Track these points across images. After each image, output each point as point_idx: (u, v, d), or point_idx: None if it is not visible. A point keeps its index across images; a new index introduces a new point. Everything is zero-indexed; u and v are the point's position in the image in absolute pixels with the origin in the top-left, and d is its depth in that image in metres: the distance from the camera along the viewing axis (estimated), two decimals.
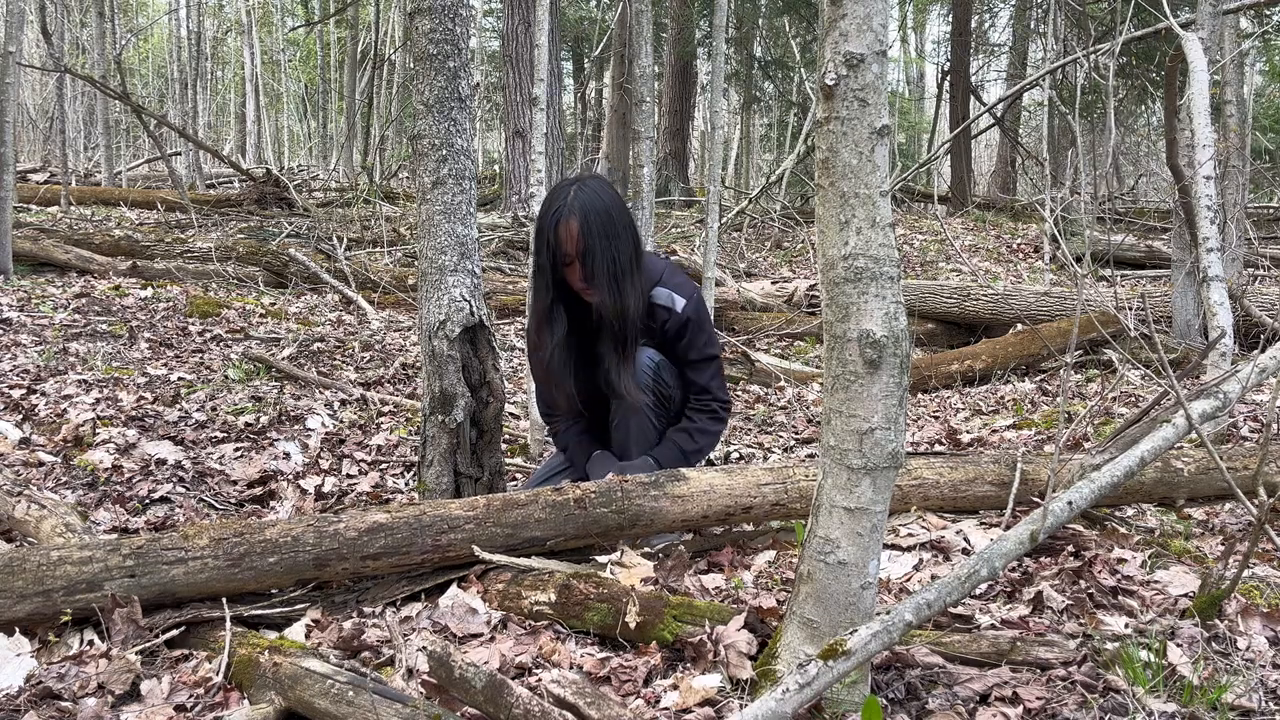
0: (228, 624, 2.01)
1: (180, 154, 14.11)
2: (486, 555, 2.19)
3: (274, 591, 2.16)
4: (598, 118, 19.81)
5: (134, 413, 3.61)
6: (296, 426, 3.68)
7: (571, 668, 1.88)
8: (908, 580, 2.27)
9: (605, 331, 2.61)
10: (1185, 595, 2.07)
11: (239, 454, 3.38)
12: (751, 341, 5.76)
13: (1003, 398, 4.58)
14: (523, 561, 2.20)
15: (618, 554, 2.30)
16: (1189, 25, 4.19)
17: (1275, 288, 5.76)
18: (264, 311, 5.85)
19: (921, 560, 2.37)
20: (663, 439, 2.73)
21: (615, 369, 2.61)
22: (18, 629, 1.98)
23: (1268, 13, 9.67)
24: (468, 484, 2.63)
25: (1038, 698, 1.69)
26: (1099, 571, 2.20)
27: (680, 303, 2.64)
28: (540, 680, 1.76)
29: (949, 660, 1.80)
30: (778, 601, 2.07)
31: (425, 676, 1.80)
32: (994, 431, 3.95)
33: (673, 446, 2.70)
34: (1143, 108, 12.74)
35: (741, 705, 1.71)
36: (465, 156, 2.59)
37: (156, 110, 18.17)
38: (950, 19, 15.04)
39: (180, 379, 4.13)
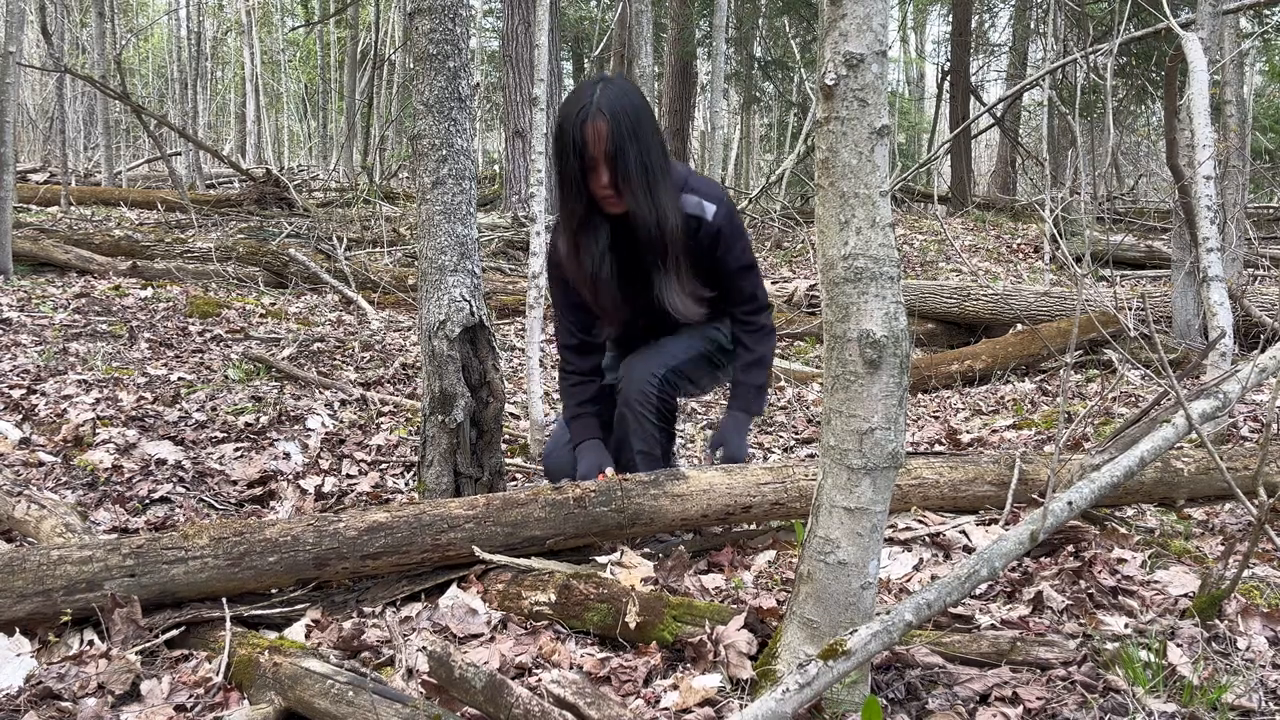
0: (228, 624, 2.01)
1: (180, 154, 14.11)
2: (486, 555, 2.19)
3: (274, 591, 2.16)
4: None
5: (134, 413, 3.61)
6: (296, 426, 3.68)
7: (571, 668, 1.88)
8: (908, 580, 2.27)
9: (640, 247, 2.42)
10: (1185, 595, 2.07)
11: (239, 454, 3.38)
12: None
13: (1003, 398, 4.58)
14: (523, 562, 2.20)
15: (618, 554, 2.30)
16: (1189, 25, 4.19)
17: (1275, 288, 5.76)
18: (264, 311, 5.85)
19: (921, 560, 2.37)
20: (734, 387, 2.65)
21: (663, 284, 2.43)
22: (18, 629, 1.98)
23: (1268, 13, 9.67)
24: (468, 484, 2.63)
25: (1038, 698, 1.69)
26: (1099, 571, 2.20)
27: (710, 209, 2.46)
28: (540, 680, 1.76)
29: (949, 660, 1.80)
30: (778, 601, 2.07)
31: (425, 676, 1.80)
32: (994, 431, 3.95)
33: (747, 391, 2.61)
34: (1143, 108, 12.74)
35: (741, 705, 1.71)
36: (465, 156, 2.59)
37: (156, 110, 18.17)
38: (950, 19, 15.04)
39: (180, 379, 4.13)
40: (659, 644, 1.93)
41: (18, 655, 1.91)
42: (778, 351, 5.71)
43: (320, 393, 4.13)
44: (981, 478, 2.65)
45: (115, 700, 1.83)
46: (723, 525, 2.53)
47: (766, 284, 2.86)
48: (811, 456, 3.76)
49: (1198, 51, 3.62)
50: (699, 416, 4.49)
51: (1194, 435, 2.11)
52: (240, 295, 6.44)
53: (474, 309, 2.58)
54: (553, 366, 5.30)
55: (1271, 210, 11.31)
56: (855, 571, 1.62)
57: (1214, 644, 1.85)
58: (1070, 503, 1.78)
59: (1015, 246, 10.11)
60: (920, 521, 2.55)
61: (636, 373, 2.55)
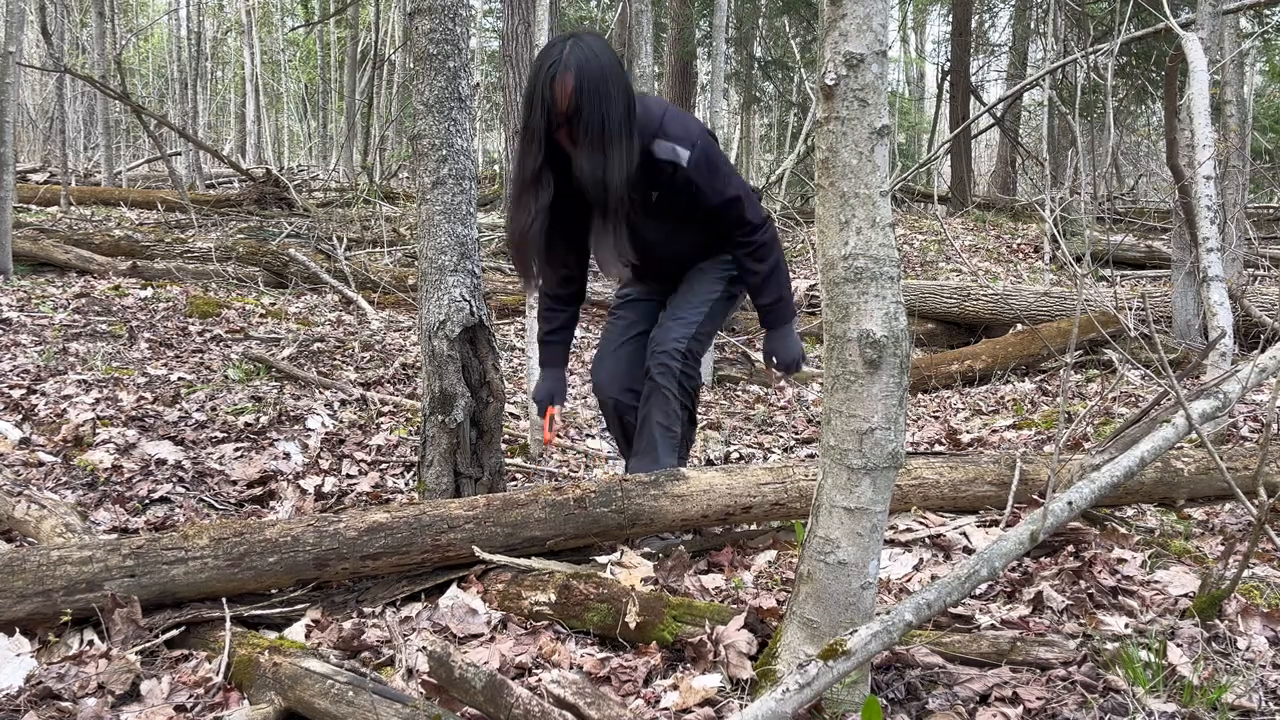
0: (228, 624, 2.01)
1: (180, 154, 14.10)
2: (486, 555, 2.19)
3: (274, 591, 2.16)
4: None
5: (134, 413, 3.61)
6: (296, 426, 3.68)
7: (571, 668, 1.88)
8: (908, 580, 2.27)
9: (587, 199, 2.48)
10: (1185, 595, 2.07)
11: (239, 454, 3.38)
12: (751, 341, 5.75)
13: (1003, 398, 4.58)
14: (523, 562, 2.20)
15: (618, 554, 2.30)
16: (1189, 25, 4.19)
17: (1275, 288, 5.76)
18: (264, 311, 5.85)
19: (921, 560, 2.37)
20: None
21: (595, 238, 2.51)
22: (18, 629, 1.98)
23: (1268, 13, 9.67)
24: (468, 484, 2.63)
25: (1038, 698, 1.69)
26: (1099, 571, 2.20)
27: (684, 154, 2.48)
28: (540, 680, 1.76)
29: (949, 660, 1.80)
30: (778, 601, 2.07)
31: (425, 676, 1.80)
32: (994, 431, 3.95)
33: (772, 308, 2.66)
34: (1143, 108, 12.74)
35: (741, 705, 1.71)
36: (465, 156, 2.59)
37: (156, 110, 18.17)
38: (950, 19, 15.04)
39: (180, 379, 4.13)
40: (659, 644, 1.93)
41: (18, 655, 1.91)
42: None
43: (320, 393, 4.13)
44: (981, 478, 2.65)
45: (115, 700, 1.83)
46: (723, 526, 2.53)
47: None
48: (811, 456, 3.76)
49: (1198, 51, 3.62)
50: (700, 418, 4.49)
51: (1194, 435, 2.11)
52: (240, 295, 6.44)
53: (474, 309, 2.58)
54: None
55: (1271, 210, 11.31)
56: (855, 571, 1.62)
57: (1214, 644, 1.85)
58: (1070, 503, 1.78)
59: (1015, 246, 10.11)
60: (921, 523, 2.55)
61: (660, 345, 2.65)
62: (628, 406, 2.77)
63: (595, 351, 2.94)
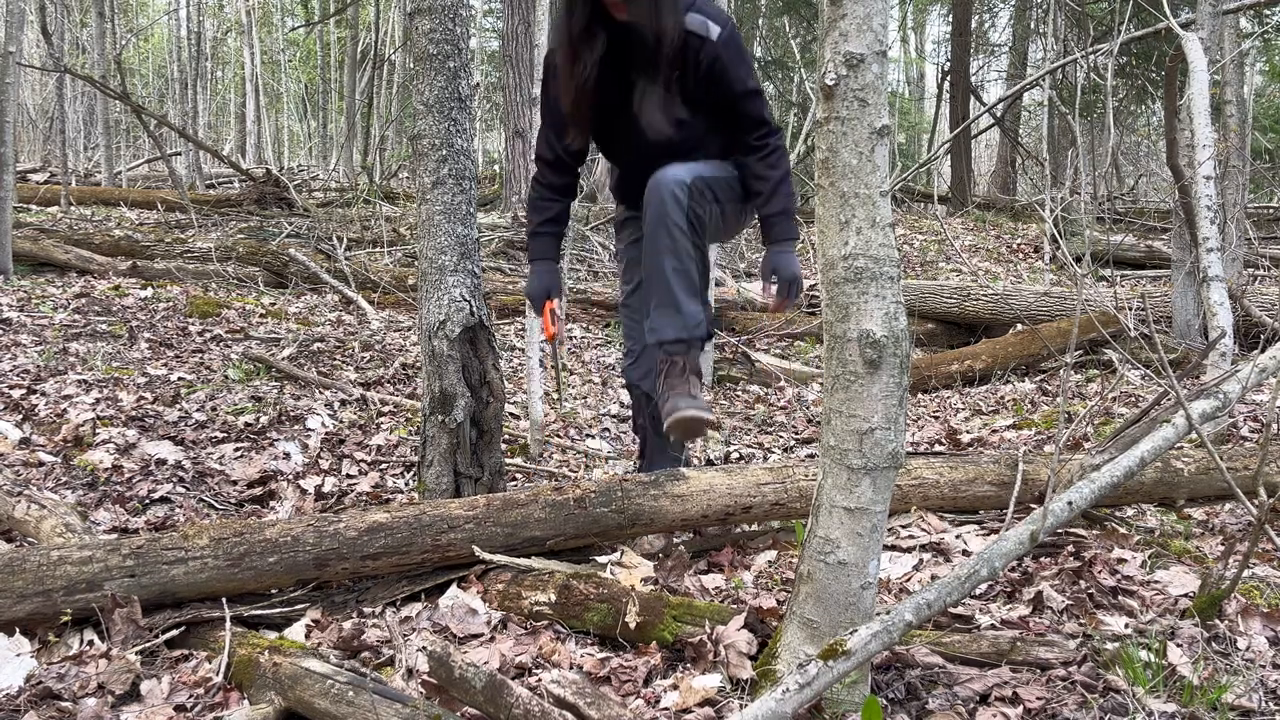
0: (228, 624, 2.01)
1: (180, 154, 14.10)
2: (486, 555, 2.19)
3: (274, 591, 2.16)
4: None
5: (134, 413, 3.60)
6: (296, 426, 3.68)
7: (571, 668, 1.88)
8: (908, 580, 2.27)
9: (633, 60, 2.42)
10: (1185, 595, 2.07)
11: (239, 454, 3.38)
12: (751, 341, 5.76)
13: (1003, 398, 4.58)
14: (523, 562, 2.20)
15: (618, 554, 2.30)
16: (1189, 25, 4.19)
17: (1275, 288, 5.76)
18: (264, 311, 5.85)
19: (921, 560, 2.37)
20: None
21: (643, 95, 2.43)
22: (18, 629, 1.98)
23: (1268, 13, 9.67)
24: (468, 484, 2.63)
25: (1038, 698, 1.69)
26: (1099, 571, 2.20)
27: (715, 30, 2.41)
28: (540, 680, 1.76)
29: (949, 660, 1.80)
30: (778, 601, 2.07)
31: (425, 676, 1.81)
32: (994, 431, 3.95)
33: (778, 219, 2.53)
34: (1143, 108, 12.74)
35: (741, 705, 1.71)
36: (465, 156, 2.59)
37: (156, 110, 18.16)
38: (950, 19, 15.04)
39: (180, 379, 4.13)
40: (659, 644, 1.93)
41: (18, 655, 1.92)
42: (777, 351, 5.71)
43: (320, 393, 4.13)
44: (982, 478, 2.65)
45: (115, 700, 1.83)
46: (723, 526, 2.53)
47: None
48: (811, 456, 3.76)
49: (1198, 51, 3.61)
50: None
51: (1194, 435, 2.11)
52: (240, 295, 6.44)
53: (474, 309, 2.58)
54: (552, 366, 5.30)
55: (1271, 210, 11.31)
56: (855, 571, 1.62)
57: (1214, 644, 1.85)
58: (1070, 503, 1.78)
59: (1015, 246, 10.11)
60: (923, 529, 2.55)
61: (663, 182, 2.45)
62: None
63: (624, 347, 2.85)
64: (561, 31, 2.48)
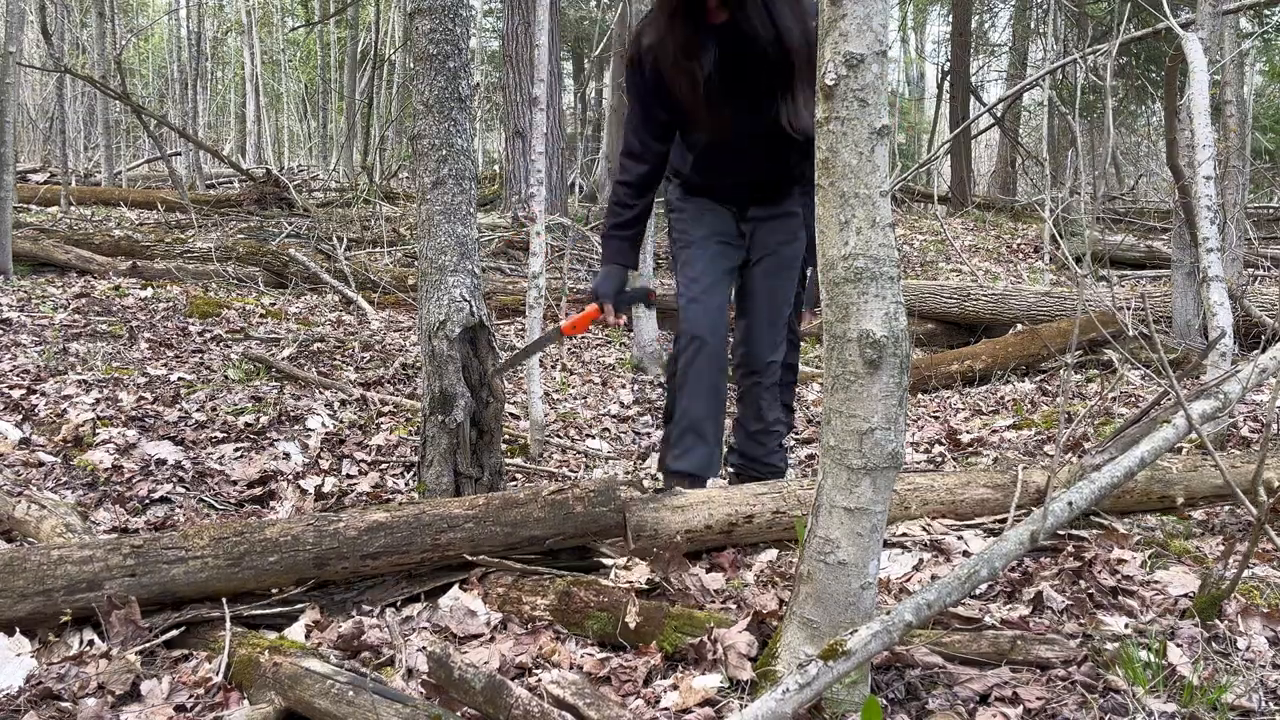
0: (228, 624, 2.01)
1: (180, 154, 14.09)
2: (483, 558, 2.19)
3: (274, 591, 2.16)
4: (598, 118, 19.80)
5: (134, 413, 3.60)
6: (296, 426, 3.68)
7: (571, 668, 1.88)
8: (908, 580, 2.27)
9: (749, 65, 2.28)
10: (1185, 595, 2.07)
11: (239, 454, 3.38)
12: None
13: (1003, 398, 4.58)
14: (520, 565, 2.20)
15: (623, 560, 2.30)
16: (1189, 25, 4.19)
17: (1275, 288, 5.76)
18: (264, 311, 5.85)
19: (921, 560, 2.36)
20: None
21: (784, 107, 2.30)
22: (18, 629, 1.98)
23: (1268, 13, 9.67)
24: (467, 484, 2.63)
25: (1038, 698, 1.69)
26: (1099, 571, 2.20)
27: None
28: (540, 681, 1.76)
29: (949, 660, 1.80)
30: (779, 602, 2.07)
31: (425, 677, 1.81)
32: (994, 431, 3.95)
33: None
34: (1143, 108, 12.73)
35: (741, 705, 1.71)
36: (465, 156, 2.59)
37: (156, 110, 18.16)
38: (950, 19, 15.04)
39: (180, 379, 4.13)
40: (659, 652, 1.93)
41: (18, 655, 1.92)
42: None
43: (320, 393, 4.13)
44: (975, 482, 2.64)
45: (115, 700, 1.82)
46: (728, 537, 2.51)
47: None
48: (811, 457, 3.75)
49: (1198, 51, 3.61)
50: None
51: (1194, 435, 2.11)
52: (240, 295, 6.44)
53: (474, 309, 2.58)
54: (552, 366, 5.30)
55: (1271, 210, 11.31)
56: (855, 571, 1.62)
57: (1214, 644, 1.85)
58: (1070, 503, 1.78)
59: (1015, 246, 10.11)
60: (923, 529, 2.54)
61: (760, 353, 2.61)
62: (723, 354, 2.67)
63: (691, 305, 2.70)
64: (666, 48, 2.35)
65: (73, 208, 10.15)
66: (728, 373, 2.67)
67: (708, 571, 2.36)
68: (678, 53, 2.31)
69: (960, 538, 2.46)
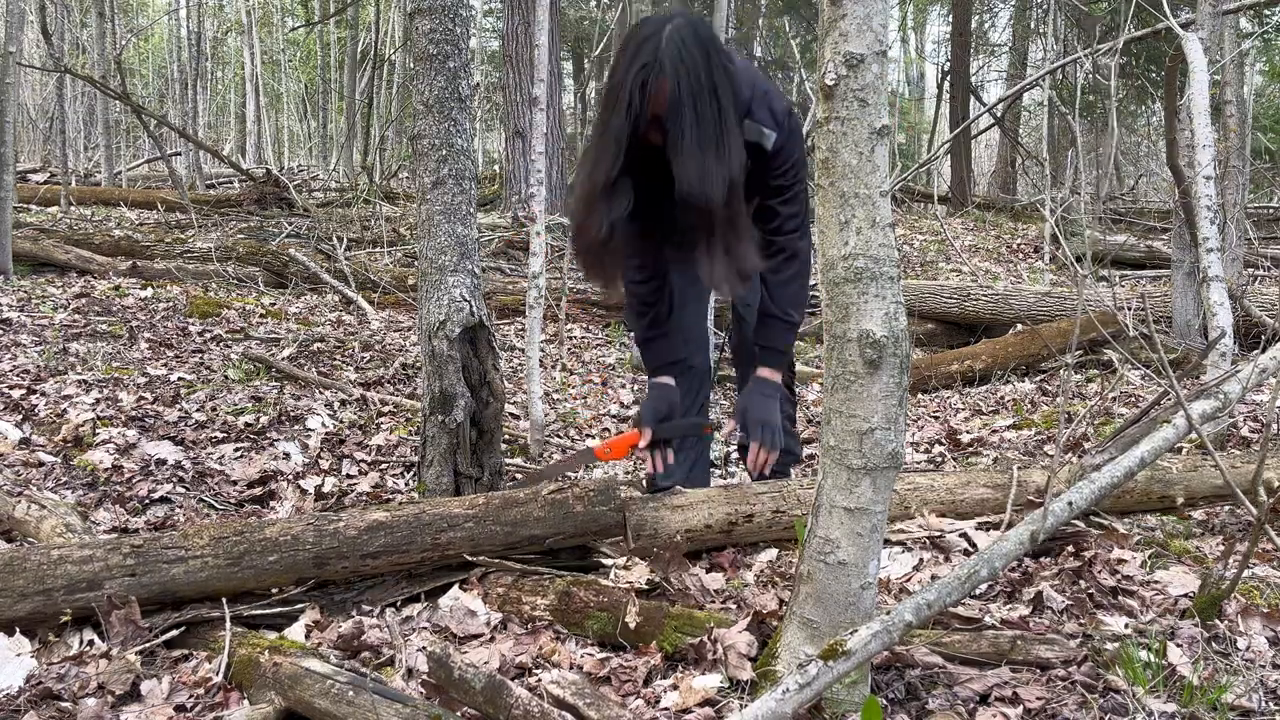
0: (227, 624, 2.01)
1: (180, 154, 14.10)
2: (483, 559, 2.19)
3: (274, 591, 2.16)
4: None
5: (134, 413, 3.60)
6: (296, 426, 3.68)
7: (571, 668, 1.88)
8: (908, 580, 2.27)
9: (681, 209, 2.19)
10: (1185, 595, 2.07)
11: (239, 454, 3.38)
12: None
13: (1003, 398, 4.58)
14: (518, 566, 2.20)
15: (623, 559, 2.30)
16: (1189, 25, 4.19)
17: (1275, 288, 5.76)
18: (264, 312, 5.85)
19: (921, 560, 2.36)
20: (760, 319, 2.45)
21: (703, 261, 2.22)
22: (18, 629, 1.98)
23: (1268, 13, 9.67)
24: (467, 484, 2.63)
25: (1038, 698, 1.69)
26: (1099, 571, 2.20)
27: (771, 138, 2.27)
28: (540, 681, 1.76)
29: (949, 660, 1.80)
30: (779, 602, 2.07)
31: (425, 677, 1.81)
32: (994, 431, 3.95)
33: (772, 323, 2.41)
34: (1143, 108, 12.74)
35: (741, 705, 1.71)
36: (465, 156, 2.59)
37: (156, 110, 18.16)
38: (950, 19, 15.04)
39: (180, 379, 4.13)
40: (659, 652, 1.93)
41: (18, 655, 1.92)
42: None
43: (320, 393, 4.13)
44: (975, 482, 2.64)
45: (115, 700, 1.82)
46: (728, 536, 2.51)
47: None
48: (811, 457, 3.75)
49: (1198, 51, 3.61)
50: None
51: (1194, 435, 2.11)
52: (240, 295, 6.44)
53: (474, 309, 2.58)
54: (552, 366, 5.30)
55: (1271, 210, 11.31)
56: (855, 571, 1.62)
57: (1214, 644, 1.85)
58: (1070, 503, 1.78)
59: (1015, 246, 10.11)
60: (922, 527, 2.54)
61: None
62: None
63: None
64: (586, 173, 2.25)
65: (73, 208, 10.15)
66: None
67: (708, 571, 2.36)
68: (589, 197, 2.24)
69: (963, 535, 2.46)
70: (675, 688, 1.78)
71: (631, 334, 2.57)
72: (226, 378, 4.22)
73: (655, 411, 2.44)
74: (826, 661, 1.46)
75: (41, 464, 3.14)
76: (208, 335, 5.06)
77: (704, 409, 2.72)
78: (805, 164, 2.38)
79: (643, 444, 2.42)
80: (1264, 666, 1.79)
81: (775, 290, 2.41)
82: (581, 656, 1.94)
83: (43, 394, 3.74)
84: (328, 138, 19.96)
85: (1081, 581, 2.15)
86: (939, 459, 3.69)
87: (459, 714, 1.65)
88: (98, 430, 3.37)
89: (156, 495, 3.01)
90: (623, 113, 2.10)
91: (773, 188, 2.35)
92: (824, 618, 1.64)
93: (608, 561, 2.30)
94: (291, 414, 3.78)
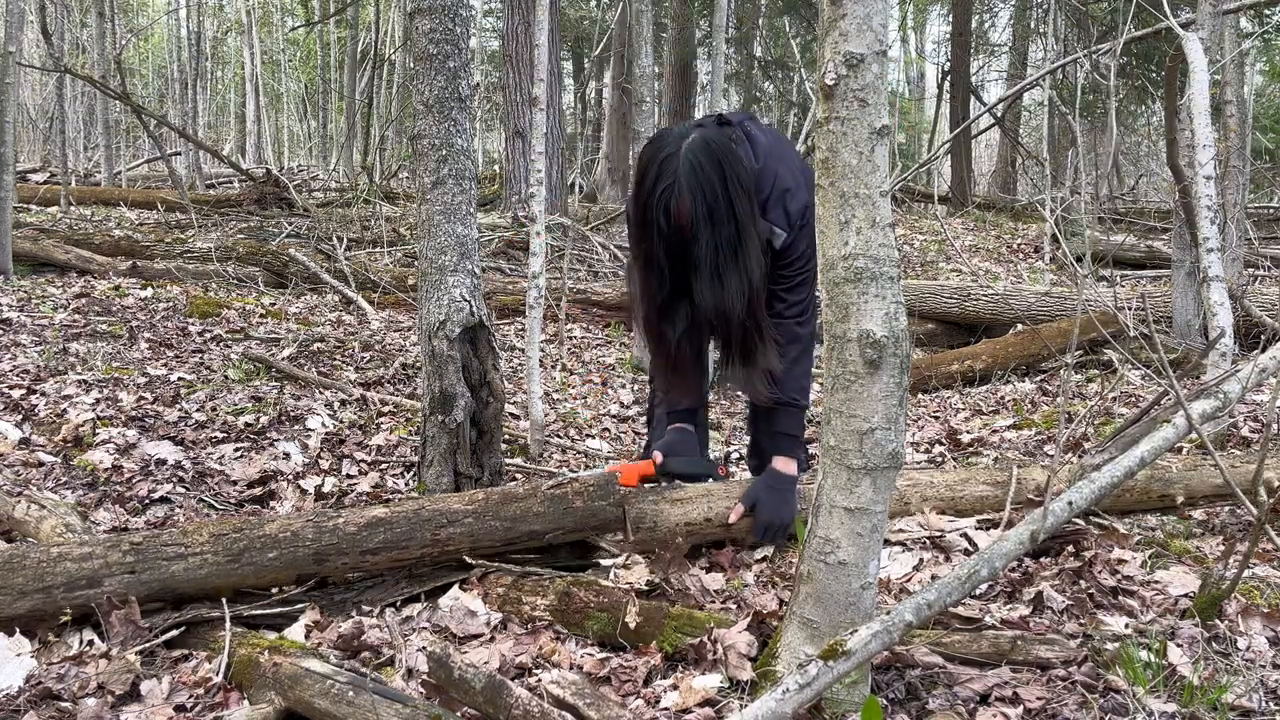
0: (227, 624, 2.01)
1: (180, 154, 14.10)
2: (483, 561, 2.20)
3: (274, 591, 2.16)
4: (598, 118, 19.81)
5: (134, 413, 3.60)
6: (296, 426, 3.68)
7: (571, 668, 1.88)
8: (908, 580, 2.27)
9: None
10: (1185, 595, 2.07)
11: (239, 454, 3.38)
12: None
13: (1003, 398, 4.58)
14: (516, 569, 2.21)
15: (622, 558, 2.30)
16: (1189, 25, 4.19)
17: (1275, 288, 5.76)
18: (264, 311, 5.85)
19: (921, 560, 2.36)
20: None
21: (736, 367, 2.34)
22: (18, 628, 1.98)
23: (1268, 13, 9.67)
24: (467, 484, 2.63)
25: (1038, 698, 1.69)
26: (1099, 571, 2.20)
27: (780, 236, 2.35)
28: (540, 681, 1.76)
29: (949, 660, 1.80)
30: (779, 602, 2.07)
31: (425, 677, 1.81)
32: (994, 431, 3.95)
33: (780, 410, 2.44)
34: (1143, 108, 12.74)
35: (741, 705, 1.71)
36: (465, 156, 2.59)
37: (156, 110, 18.17)
38: (950, 19, 15.04)
39: (180, 379, 4.13)
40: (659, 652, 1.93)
41: (18, 655, 1.92)
42: None
43: (320, 393, 4.13)
44: (975, 479, 2.64)
45: (115, 700, 1.82)
46: (726, 530, 2.51)
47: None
48: (812, 457, 3.75)
49: (1198, 51, 3.61)
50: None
51: (1194, 435, 2.11)
52: (240, 295, 6.44)
53: (474, 309, 2.58)
54: (552, 366, 5.30)
55: (1271, 210, 11.31)
56: (855, 571, 1.62)
57: (1214, 644, 1.85)
58: (1070, 502, 1.78)
59: (1015, 246, 10.11)
60: (921, 525, 2.54)
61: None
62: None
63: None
64: (643, 295, 2.36)
65: (73, 208, 10.15)
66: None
67: (707, 571, 2.36)
68: (656, 316, 2.36)
69: (963, 535, 2.46)
70: (675, 688, 1.78)
71: (652, 381, 2.67)
72: (226, 378, 4.22)
73: (670, 446, 2.51)
74: (826, 661, 1.46)
75: (41, 464, 3.14)
76: (208, 335, 5.06)
77: (705, 444, 2.74)
78: (814, 254, 2.41)
79: (654, 472, 2.50)
80: (1264, 666, 1.79)
81: (781, 376, 2.44)
82: (581, 657, 1.94)
83: (43, 394, 3.74)
84: (328, 138, 19.96)
85: (1081, 581, 2.15)
86: (939, 459, 3.69)
87: (459, 714, 1.65)
88: (98, 430, 3.37)
89: (156, 495, 3.01)
90: (653, 236, 2.24)
91: (778, 277, 2.42)
92: (824, 618, 1.64)
93: (607, 561, 2.30)
94: (291, 414, 3.78)
